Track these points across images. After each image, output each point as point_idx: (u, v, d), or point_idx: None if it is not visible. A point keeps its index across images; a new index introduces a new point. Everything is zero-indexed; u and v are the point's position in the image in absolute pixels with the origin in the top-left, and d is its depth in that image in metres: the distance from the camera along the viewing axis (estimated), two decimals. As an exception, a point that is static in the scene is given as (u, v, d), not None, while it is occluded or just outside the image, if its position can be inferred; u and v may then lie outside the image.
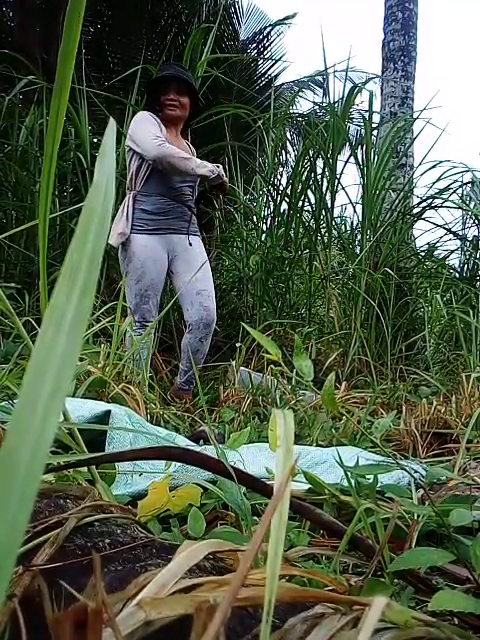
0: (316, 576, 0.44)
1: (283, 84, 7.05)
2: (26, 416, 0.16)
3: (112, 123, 0.26)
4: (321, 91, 6.80)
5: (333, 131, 2.93)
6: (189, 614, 0.30)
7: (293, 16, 6.47)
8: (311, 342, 2.67)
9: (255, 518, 0.76)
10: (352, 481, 0.71)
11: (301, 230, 3.23)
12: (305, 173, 3.15)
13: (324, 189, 3.06)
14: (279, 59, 6.71)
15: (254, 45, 7.02)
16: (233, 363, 2.29)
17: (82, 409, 1.08)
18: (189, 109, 2.37)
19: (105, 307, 2.09)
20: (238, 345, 2.35)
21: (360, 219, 3.08)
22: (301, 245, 3.20)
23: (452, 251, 3.30)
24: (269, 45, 6.99)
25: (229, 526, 0.75)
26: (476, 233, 3.21)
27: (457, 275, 3.27)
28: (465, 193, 3.33)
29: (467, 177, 3.10)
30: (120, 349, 1.76)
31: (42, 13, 6.04)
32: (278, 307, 3.12)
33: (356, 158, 3.03)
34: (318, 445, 1.35)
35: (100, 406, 1.11)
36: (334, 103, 3.06)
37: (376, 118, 3.43)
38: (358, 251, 3.13)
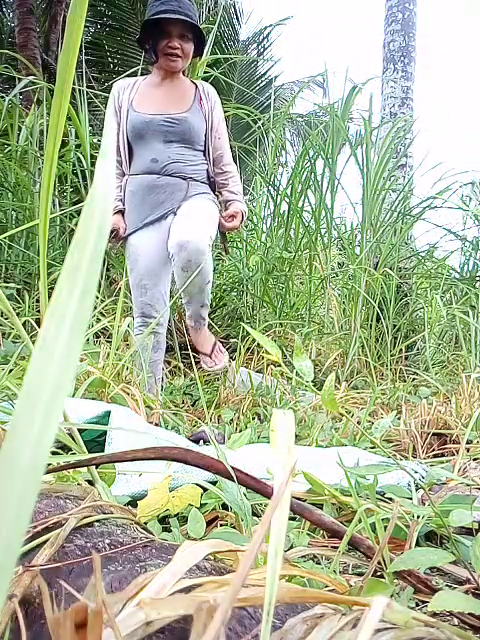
0: (316, 576, 0.44)
1: (283, 85, 7.07)
2: (26, 416, 0.16)
3: (112, 123, 0.26)
4: (321, 92, 6.82)
5: (333, 131, 2.93)
6: (189, 614, 0.30)
7: (291, 18, 6.48)
8: (311, 342, 2.67)
9: (255, 518, 0.76)
10: (352, 482, 0.71)
11: (301, 230, 3.23)
12: (305, 173, 3.15)
13: (324, 189, 3.06)
14: (279, 60, 6.73)
15: (254, 46, 7.04)
16: (233, 363, 2.29)
17: (82, 409, 1.08)
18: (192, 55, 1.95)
19: (103, 304, 2.09)
20: (233, 340, 2.32)
21: (360, 219, 3.09)
22: (301, 245, 3.20)
23: (452, 251, 3.31)
24: (269, 46, 7.00)
25: (229, 526, 0.75)
26: (476, 233, 3.22)
27: (457, 275, 3.28)
28: (465, 194, 3.33)
29: (467, 177, 3.11)
30: (120, 349, 1.76)
31: (42, 13, 6.04)
32: (278, 307, 3.12)
33: (356, 158, 3.03)
34: (318, 445, 1.35)
35: (100, 406, 1.11)
36: (334, 103, 3.06)
37: (376, 119, 3.43)
38: (358, 251, 3.13)
